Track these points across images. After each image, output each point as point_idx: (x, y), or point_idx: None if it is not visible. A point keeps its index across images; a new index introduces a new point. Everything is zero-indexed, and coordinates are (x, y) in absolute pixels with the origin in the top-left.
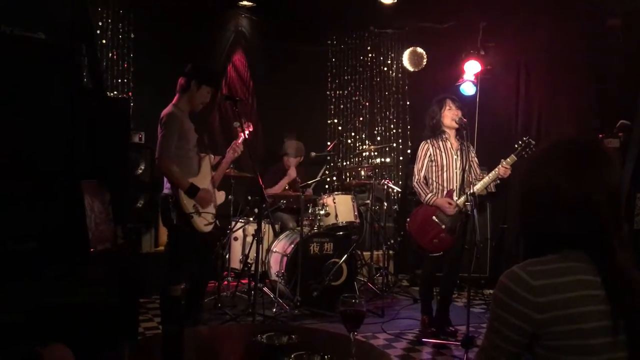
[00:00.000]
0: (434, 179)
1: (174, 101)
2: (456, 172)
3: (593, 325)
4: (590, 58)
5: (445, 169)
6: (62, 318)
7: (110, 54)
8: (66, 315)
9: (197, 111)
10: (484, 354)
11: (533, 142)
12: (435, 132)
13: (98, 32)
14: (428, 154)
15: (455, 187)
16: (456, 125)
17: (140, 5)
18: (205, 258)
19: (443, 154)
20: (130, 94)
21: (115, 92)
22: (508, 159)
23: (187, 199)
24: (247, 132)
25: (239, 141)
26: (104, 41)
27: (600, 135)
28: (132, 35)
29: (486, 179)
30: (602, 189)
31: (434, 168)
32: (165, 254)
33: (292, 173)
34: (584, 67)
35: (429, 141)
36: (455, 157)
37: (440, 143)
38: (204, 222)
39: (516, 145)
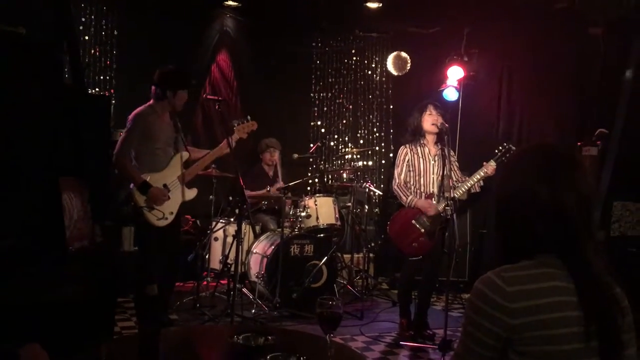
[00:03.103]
0: (411, 183)
1: (148, 103)
2: (433, 178)
3: (566, 331)
4: (572, 66)
5: (422, 174)
6: (38, 316)
7: (92, 51)
8: (42, 313)
9: (179, 110)
10: (459, 359)
11: (513, 148)
12: (415, 136)
13: (81, 28)
14: (406, 158)
15: (433, 192)
16: (436, 130)
17: (123, 2)
18: (171, 256)
19: (420, 160)
20: (112, 91)
21: (97, 89)
22: (492, 161)
23: (138, 194)
24: (249, 130)
25: (232, 139)
26: (86, 37)
27: (579, 143)
28: (115, 32)
29: (468, 182)
30: (573, 194)
31: (411, 173)
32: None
33: (274, 189)
34: (565, 75)
35: (407, 146)
36: (432, 162)
37: (419, 148)
38: (157, 216)
39: (496, 151)
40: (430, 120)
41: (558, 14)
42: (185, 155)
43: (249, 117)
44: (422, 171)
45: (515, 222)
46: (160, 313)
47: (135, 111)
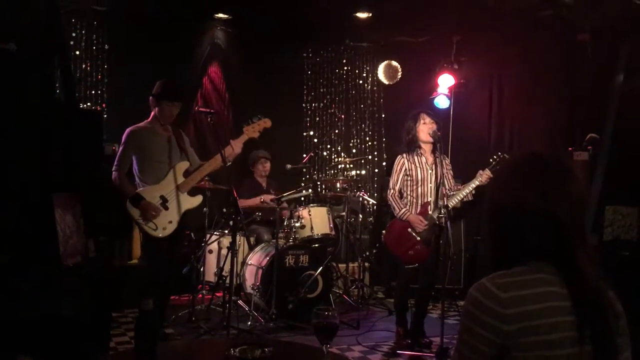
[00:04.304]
0: (409, 192)
1: (148, 118)
2: (431, 187)
3: (560, 336)
4: (561, 72)
5: (420, 183)
6: (33, 331)
7: (83, 66)
8: (37, 329)
9: (170, 122)
10: None
11: (507, 157)
12: (411, 147)
13: (72, 43)
14: (403, 168)
15: (430, 201)
16: (431, 139)
17: (114, 16)
18: (171, 268)
19: (418, 169)
20: (104, 105)
21: (89, 104)
22: (487, 170)
23: (131, 207)
24: (262, 129)
25: (238, 141)
26: (77, 52)
27: (570, 149)
28: (106, 47)
29: (462, 192)
30: (565, 202)
31: (409, 182)
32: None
33: (268, 197)
34: (554, 81)
35: (404, 155)
36: (430, 171)
37: (416, 158)
38: (152, 227)
39: (491, 160)
40: (425, 130)
41: (545, 21)
42: (185, 165)
43: (259, 115)
44: (420, 180)
45: (508, 230)
46: (157, 327)
47: (129, 128)
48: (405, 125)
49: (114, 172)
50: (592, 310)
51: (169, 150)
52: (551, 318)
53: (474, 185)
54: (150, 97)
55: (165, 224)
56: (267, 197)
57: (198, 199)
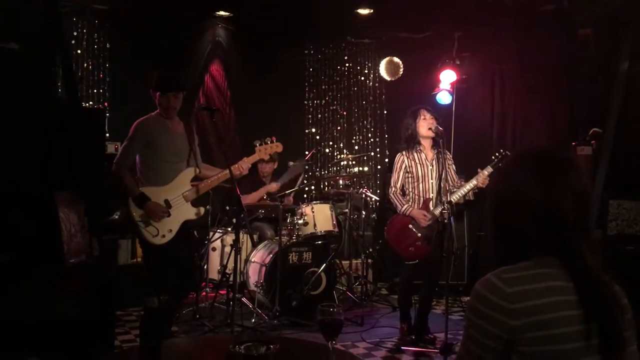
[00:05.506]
0: (410, 189)
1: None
2: (432, 183)
3: (566, 330)
4: (563, 67)
5: (421, 180)
6: (38, 330)
7: (85, 64)
8: (42, 328)
9: (173, 115)
10: None
11: (509, 154)
12: (411, 143)
13: (73, 42)
14: (403, 166)
15: (431, 197)
16: (432, 134)
17: (115, 15)
18: (179, 273)
19: (418, 166)
20: (106, 104)
21: (90, 103)
22: (485, 171)
23: (134, 207)
24: (273, 152)
25: (248, 160)
26: (79, 51)
27: (573, 143)
28: (108, 46)
29: (464, 189)
30: (568, 195)
31: (410, 179)
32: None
33: (272, 187)
34: (556, 76)
35: (404, 153)
36: (430, 167)
37: (416, 154)
38: (152, 233)
39: (493, 157)
40: (425, 125)
41: (547, 15)
42: (194, 172)
43: (273, 139)
44: (421, 177)
45: (511, 223)
46: (163, 326)
47: (138, 120)
48: (404, 122)
49: (115, 165)
50: (598, 304)
51: (183, 151)
52: (557, 312)
53: (472, 185)
54: (150, 90)
55: (165, 232)
56: (270, 187)
57: (200, 211)
